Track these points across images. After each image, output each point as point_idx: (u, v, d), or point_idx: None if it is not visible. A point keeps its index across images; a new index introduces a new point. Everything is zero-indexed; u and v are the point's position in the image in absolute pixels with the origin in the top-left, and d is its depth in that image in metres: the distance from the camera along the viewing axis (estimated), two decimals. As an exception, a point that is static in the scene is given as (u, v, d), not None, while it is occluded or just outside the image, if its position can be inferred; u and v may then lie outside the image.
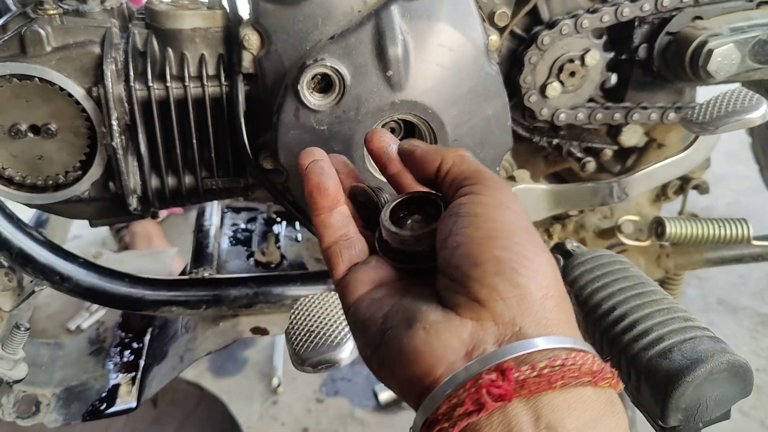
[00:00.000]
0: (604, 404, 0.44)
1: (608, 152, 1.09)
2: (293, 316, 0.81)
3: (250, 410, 1.80)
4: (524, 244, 0.48)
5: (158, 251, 1.76)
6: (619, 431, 0.43)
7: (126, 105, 0.87)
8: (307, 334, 0.78)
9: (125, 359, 1.07)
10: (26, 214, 1.03)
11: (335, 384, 1.91)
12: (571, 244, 0.83)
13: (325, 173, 0.58)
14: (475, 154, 0.87)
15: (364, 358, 0.54)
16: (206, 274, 0.98)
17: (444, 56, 0.81)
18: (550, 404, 0.42)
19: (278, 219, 1.26)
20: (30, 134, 0.87)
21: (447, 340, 0.45)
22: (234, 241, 1.18)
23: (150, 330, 1.12)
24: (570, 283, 0.76)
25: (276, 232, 1.21)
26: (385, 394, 1.80)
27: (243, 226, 1.24)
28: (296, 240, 1.21)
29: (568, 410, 0.42)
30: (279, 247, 1.16)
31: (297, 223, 1.25)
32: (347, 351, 0.76)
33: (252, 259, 1.13)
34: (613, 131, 1.11)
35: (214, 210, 1.19)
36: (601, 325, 0.71)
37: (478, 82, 0.84)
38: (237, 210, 1.29)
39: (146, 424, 1.64)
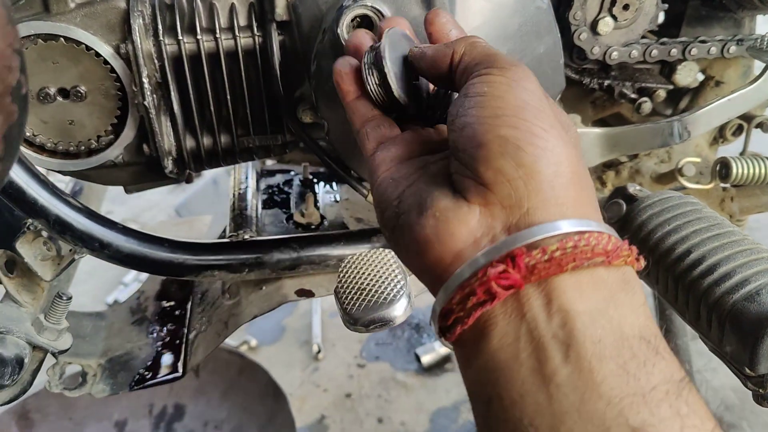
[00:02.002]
0: (618, 282, 0.43)
1: (662, 93, 1.03)
2: (342, 275, 0.77)
3: (292, 377, 1.79)
4: (533, 120, 0.45)
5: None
6: (633, 306, 0.42)
7: (156, 61, 0.83)
8: (358, 293, 0.74)
9: (168, 328, 1.04)
10: (60, 185, 1.01)
11: (376, 348, 1.89)
12: (634, 188, 0.77)
13: (348, 61, 0.59)
14: (526, 97, 0.83)
15: (385, 238, 0.55)
16: (247, 237, 0.95)
17: (491, -10, 0.76)
18: (561, 287, 0.41)
19: (315, 180, 1.22)
20: (59, 98, 0.83)
21: (455, 228, 0.45)
22: (271, 204, 1.15)
23: (191, 298, 1.10)
24: (636, 228, 0.71)
25: (314, 192, 1.17)
26: (428, 357, 1.77)
27: (279, 188, 1.20)
28: (335, 200, 1.17)
29: (579, 291, 0.41)
30: (318, 208, 1.12)
31: (335, 183, 1.21)
32: (401, 308, 0.72)
33: (291, 221, 1.09)
34: (667, 70, 1.04)
35: (249, 172, 1.16)
36: (675, 270, 0.66)
37: (528, 17, 0.78)
38: (272, 172, 1.25)
39: (190, 393, 1.64)
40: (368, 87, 0.57)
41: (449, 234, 0.45)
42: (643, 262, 0.46)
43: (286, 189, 1.20)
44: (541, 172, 0.44)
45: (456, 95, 0.52)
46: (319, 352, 1.89)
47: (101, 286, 2.30)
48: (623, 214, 0.74)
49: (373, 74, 0.57)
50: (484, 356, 0.42)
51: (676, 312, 0.69)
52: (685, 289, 0.65)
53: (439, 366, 1.77)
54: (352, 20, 0.75)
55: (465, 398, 1.70)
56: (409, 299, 0.75)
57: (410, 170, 0.52)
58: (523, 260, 0.42)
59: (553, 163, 0.44)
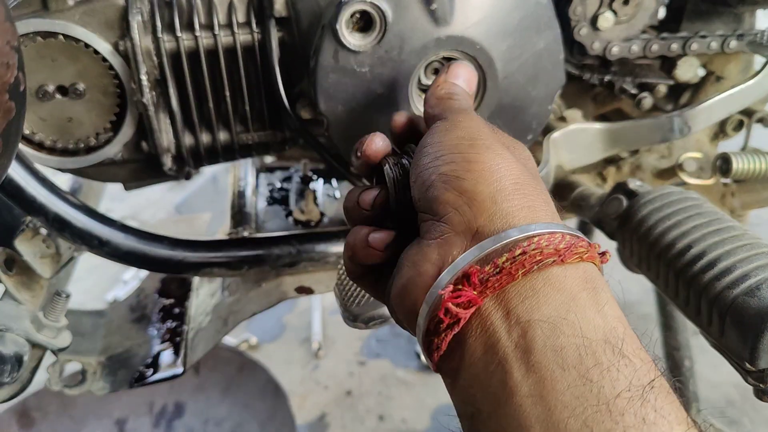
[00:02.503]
0: (579, 281, 0.43)
1: (662, 88, 1.02)
2: (342, 272, 0.77)
3: (292, 375, 1.79)
4: (467, 150, 0.49)
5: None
6: (597, 306, 0.41)
7: (155, 58, 0.83)
8: (358, 289, 0.74)
9: (168, 325, 1.04)
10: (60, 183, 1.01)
11: (376, 346, 1.89)
12: (635, 183, 0.77)
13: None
14: (526, 92, 0.82)
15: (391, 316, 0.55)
16: (246, 234, 0.94)
17: (491, -16, 0.75)
18: (518, 296, 0.42)
19: (314, 176, 1.22)
20: (58, 95, 0.83)
21: (421, 267, 0.46)
22: (271, 201, 1.15)
23: (191, 295, 1.10)
24: (637, 223, 0.71)
25: (313, 189, 1.16)
26: (428, 354, 1.77)
27: (279, 185, 1.20)
28: (334, 197, 1.16)
29: (536, 298, 0.42)
30: (318, 205, 1.12)
31: (335, 179, 1.21)
32: (402, 304, 0.72)
33: (291, 218, 1.09)
34: (668, 65, 1.04)
35: (248, 170, 1.15)
36: (676, 265, 0.66)
37: (528, 12, 0.77)
38: (271, 169, 1.25)
39: (190, 391, 1.64)
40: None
41: (419, 275, 0.46)
42: (608, 257, 0.47)
43: (285, 186, 1.20)
44: (481, 192, 0.46)
45: None
46: (319, 349, 1.89)
47: (101, 283, 2.30)
48: (624, 210, 0.74)
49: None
50: (462, 375, 0.43)
51: (677, 307, 0.69)
52: (686, 285, 0.65)
53: (439, 363, 1.78)
54: (351, 16, 0.75)
55: (465, 395, 1.69)
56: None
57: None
58: (477, 276, 0.43)
59: (493, 181, 0.47)
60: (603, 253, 0.47)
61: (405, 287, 0.48)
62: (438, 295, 0.44)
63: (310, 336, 1.94)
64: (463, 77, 0.63)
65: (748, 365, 0.59)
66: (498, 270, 0.42)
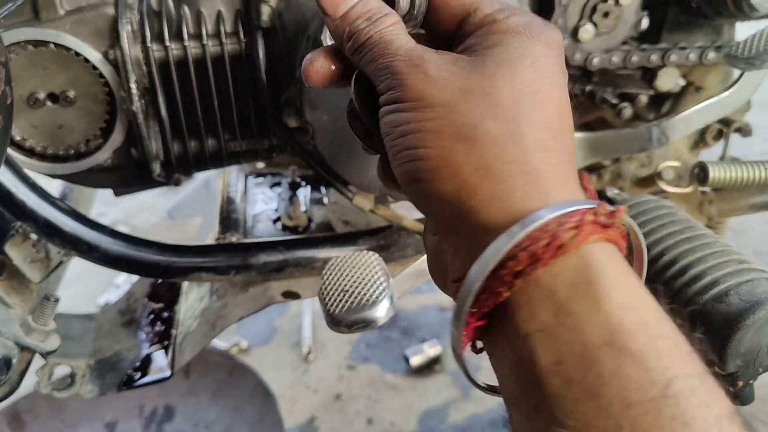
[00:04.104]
0: (571, 274, 0.36)
1: (643, 98, 1.04)
2: (326, 277, 0.78)
3: (282, 379, 1.81)
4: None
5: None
6: (595, 299, 0.35)
7: (144, 67, 0.84)
8: (341, 294, 0.75)
9: (157, 329, 1.06)
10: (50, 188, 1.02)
11: (366, 350, 1.91)
12: (612, 191, 0.79)
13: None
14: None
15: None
16: (234, 239, 0.96)
17: None
18: (513, 306, 0.37)
19: (303, 182, 1.23)
20: (48, 103, 0.85)
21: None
22: (259, 206, 1.16)
23: (180, 299, 1.11)
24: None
25: (301, 195, 1.18)
26: (417, 358, 1.79)
27: (267, 191, 1.21)
28: (322, 203, 1.18)
29: (529, 310, 0.36)
30: (305, 211, 1.13)
31: (323, 186, 1.22)
32: (383, 309, 0.73)
33: (279, 224, 1.11)
34: (648, 76, 1.06)
35: (238, 176, 1.17)
36: (649, 272, 0.68)
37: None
38: (260, 175, 1.26)
39: (180, 394, 1.65)
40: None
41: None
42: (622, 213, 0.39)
43: (274, 192, 1.21)
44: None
45: None
46: (309, 353, 1.91)
47: (92, 287, 2.30)
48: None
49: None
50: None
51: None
52: (658, 291, 0.67)
53: (428, 367, 1.79)
54: (336, 27, 0.77)
55: (453, 399, 1.73)
56: (391, 301, 0.76)
57: None
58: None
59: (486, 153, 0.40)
60: (613, 212, 0.39)
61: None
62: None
63: (300, 340, 1.95)
64: None
65: (717, 369, 0.61)
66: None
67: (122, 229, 2.22)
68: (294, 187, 1.21)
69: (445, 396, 1.70)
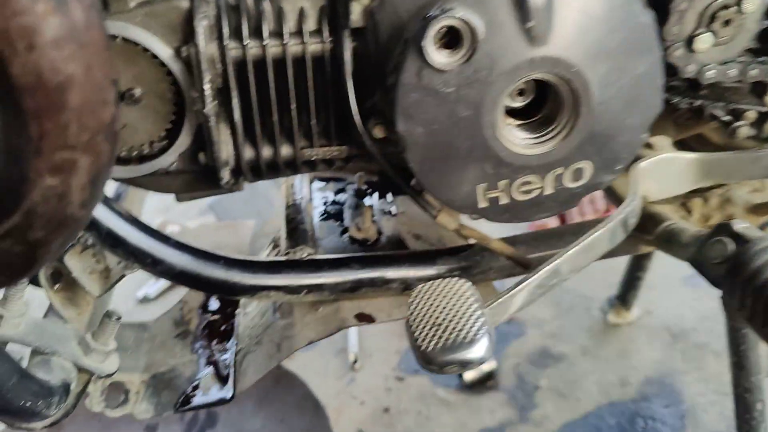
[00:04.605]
0: None
1: (751, 115, 0.95)
2: (414, 307, 0.71)
3: (327, 387, 1.74)
4: None
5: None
6: None
7: (218, 66, 0.77)
8: (433, 329, 0.68)
9: (214, 345, 0.99)
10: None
11: (415, 361, 1.80)
12: (740, 225, 0.70)
13: None
14: (620, 119, 0.75)
15: None
16: (304, 255, 0.89)
17: (592, 1, 0.69)
18: None
19: (369, 190, 1.16)
20: (113, 101, 0.78)
21: None
22: (325, 215, 1.09)
23: (237, 312, 1.04)
24: (752, 274, 0.64)
25: (369, 204, 1.10)
26: (470, 373, 1.70)
27: (332, 198, 1.14)
28: (391, 213, 1.10)
29: None
30: (374, 222, 1.06)
31: (389, 194, 1.15)
32: (482, 349, 0.66)
33: (346, 235, 1.03)
34: (758, 90, 0.96)
35: (303, 181, 1.10)
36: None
37: (630, 33, 0.71)
38: (324, 180, 1.19)
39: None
40: None
41: None
42: None
43: (338, 199, 1.14)
44: None
45: None
46: (355, 361, 1.83)
47: (131, 279, 2.26)
48: (732, 256, 0.67)
49: None
50: None
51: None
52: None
53: (481, 383, 1.70)
54: (438, 31, 0.68)
55: (509, 420, 1.64)
56: (490, 338, 0.68)
57: None
58: None
59: None
60: None
61: None
62: None
63: (346, 347, 1.88)
64: None
65: None
66: None
67: (171, 228, 2.17)
68: (360, 194, 1.13)
69: (500, 416, 1.61)
